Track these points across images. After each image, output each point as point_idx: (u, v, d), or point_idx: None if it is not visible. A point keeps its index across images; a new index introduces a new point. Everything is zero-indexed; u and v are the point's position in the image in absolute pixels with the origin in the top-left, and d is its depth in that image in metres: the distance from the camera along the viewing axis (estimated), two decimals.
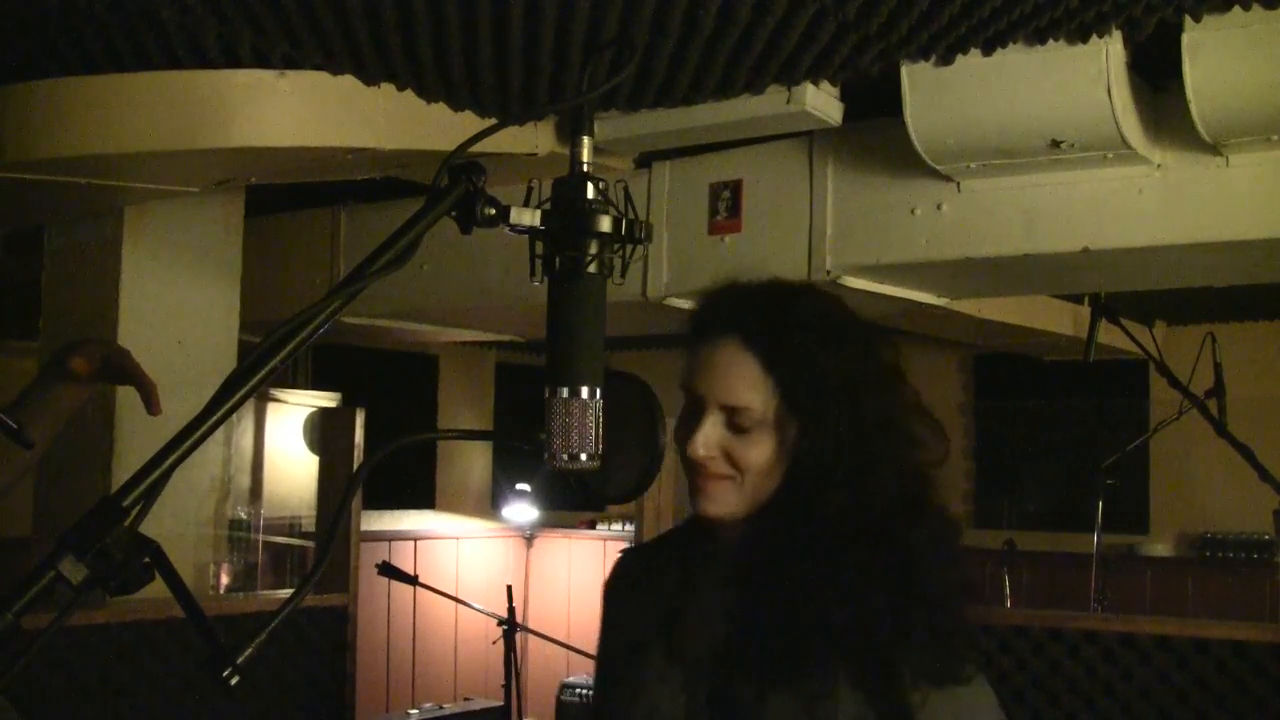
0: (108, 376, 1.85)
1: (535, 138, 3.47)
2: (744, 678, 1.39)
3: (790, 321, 1.42)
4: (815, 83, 3.13)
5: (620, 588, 1.61)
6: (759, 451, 1.41)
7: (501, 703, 4.82)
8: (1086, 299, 4.87)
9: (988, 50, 2.92)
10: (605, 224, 1.14)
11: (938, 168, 3.36)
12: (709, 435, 1.42)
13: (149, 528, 0.94)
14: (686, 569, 1.53)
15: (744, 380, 1.41)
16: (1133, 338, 4.09)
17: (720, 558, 1.48)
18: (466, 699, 5.83)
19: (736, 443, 1.42)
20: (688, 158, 3.97)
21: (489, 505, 7.17)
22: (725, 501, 1.44)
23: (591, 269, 1.14)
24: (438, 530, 6.78)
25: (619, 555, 1.67)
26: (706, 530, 1.50)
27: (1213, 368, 3.96)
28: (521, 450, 1.14)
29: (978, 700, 1.41)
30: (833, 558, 1.36)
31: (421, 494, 6.78)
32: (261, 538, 5.18)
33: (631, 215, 1.16)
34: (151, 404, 1.78)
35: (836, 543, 1.37)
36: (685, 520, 1.57)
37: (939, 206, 3.53)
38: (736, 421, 1.42)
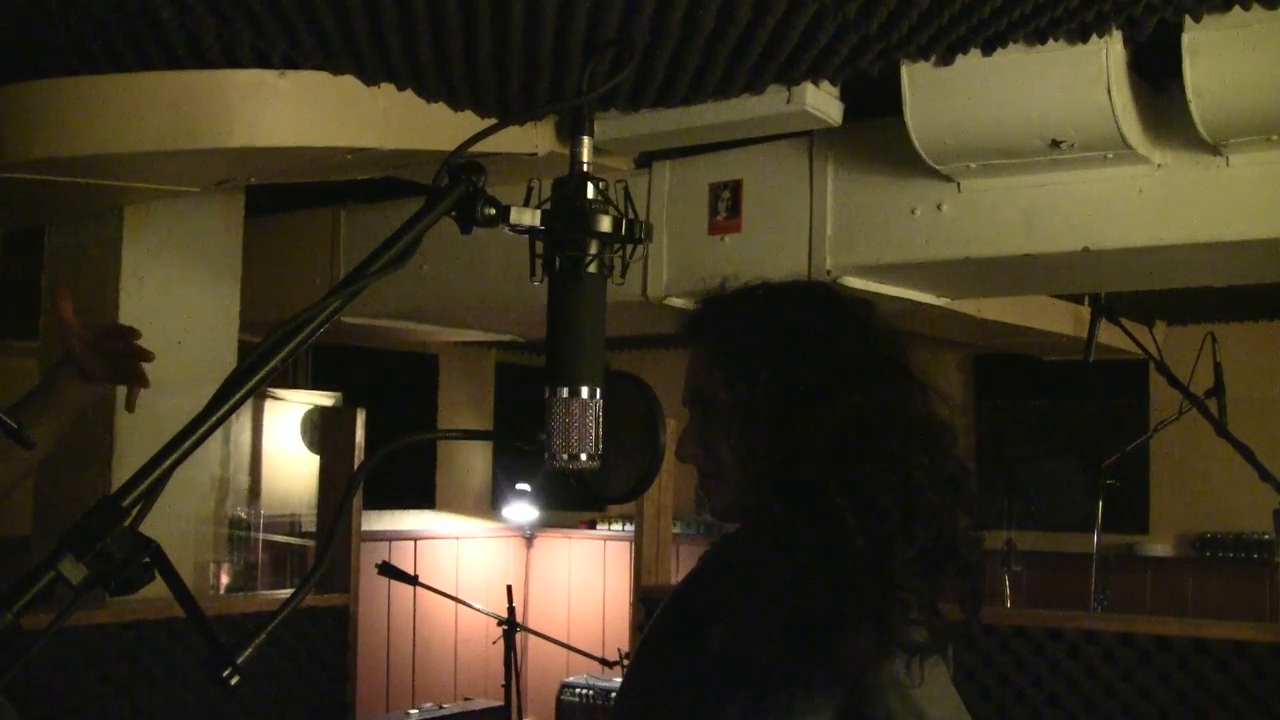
0: (103, 357, 1.84)
1: (535, 138, 3.47)
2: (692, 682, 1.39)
3: (740, 310, 1.46)
4: (815, 83, 3.13)
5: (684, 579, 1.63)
6: (728, 439, 1.41)
7: (501, 703, 4.82)
8: (1086, 299, 4.87)
9: (988, 50, 2.91)
10: (605, 224, 1.14)
11: (938, 168, 3.36)
12: (685, 432, 1.46)
13: (149, 527, 0.94)
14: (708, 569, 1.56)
15: (700, 370, 1.46)
16: (1133, 338, 4.09)
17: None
18: (466, 699, 5.84)
19: (709, 434, 1.44)
20: (688, 158, 3.97)
21: (489, 505, 7.16)
22: (717, 496, 1.45)
23: (591, 269, 1.14)
24: (438, 530, 6.77)
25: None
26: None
27: (1213, 368, 3.96)
28: (521, 450, 1.14)
29: None
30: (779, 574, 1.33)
31: (421, 494, 6.77)
32: (261, 537, 5.18)
33: (631, 215, 1.16)
34: (130, 400, 1.80)
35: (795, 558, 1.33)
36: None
37: (939, 206, 3.53)
38: (707, 414, 1.45)
